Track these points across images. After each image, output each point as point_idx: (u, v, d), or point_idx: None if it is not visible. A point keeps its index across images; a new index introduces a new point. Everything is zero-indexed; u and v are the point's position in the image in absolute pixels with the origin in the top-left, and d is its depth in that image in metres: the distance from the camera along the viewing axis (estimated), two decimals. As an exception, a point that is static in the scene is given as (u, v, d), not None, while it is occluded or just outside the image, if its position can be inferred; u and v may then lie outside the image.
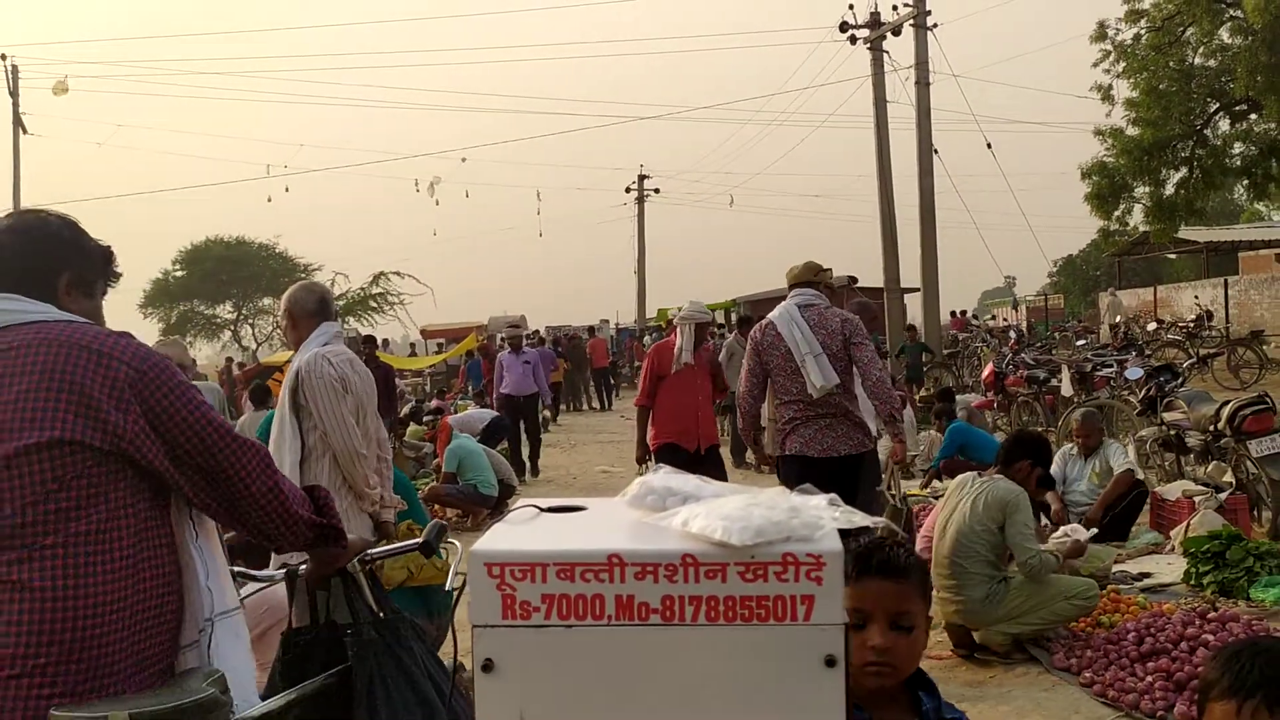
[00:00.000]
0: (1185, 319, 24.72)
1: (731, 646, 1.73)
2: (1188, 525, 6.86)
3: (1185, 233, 29.47)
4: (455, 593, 2.59)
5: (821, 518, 1.83)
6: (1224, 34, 21.43)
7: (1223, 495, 7.33)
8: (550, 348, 22.82)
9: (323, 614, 2.73)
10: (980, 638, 5.45)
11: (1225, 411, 7.84)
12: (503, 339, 16.31)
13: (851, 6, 22.17)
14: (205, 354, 44.48)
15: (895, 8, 21.54)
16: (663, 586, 1.74)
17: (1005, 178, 37.46)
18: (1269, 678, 1.60)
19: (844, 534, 1.89)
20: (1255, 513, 7.54)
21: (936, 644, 5.39)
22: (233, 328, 45.32)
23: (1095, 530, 6.51)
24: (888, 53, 21.98)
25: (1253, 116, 22.05)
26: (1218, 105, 22.25)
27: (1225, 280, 28.12)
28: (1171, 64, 21.66)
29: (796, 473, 5.40)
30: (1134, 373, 11.33)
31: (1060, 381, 12.32)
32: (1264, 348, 18.74)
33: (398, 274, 34.85)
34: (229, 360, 30.19)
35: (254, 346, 43.06)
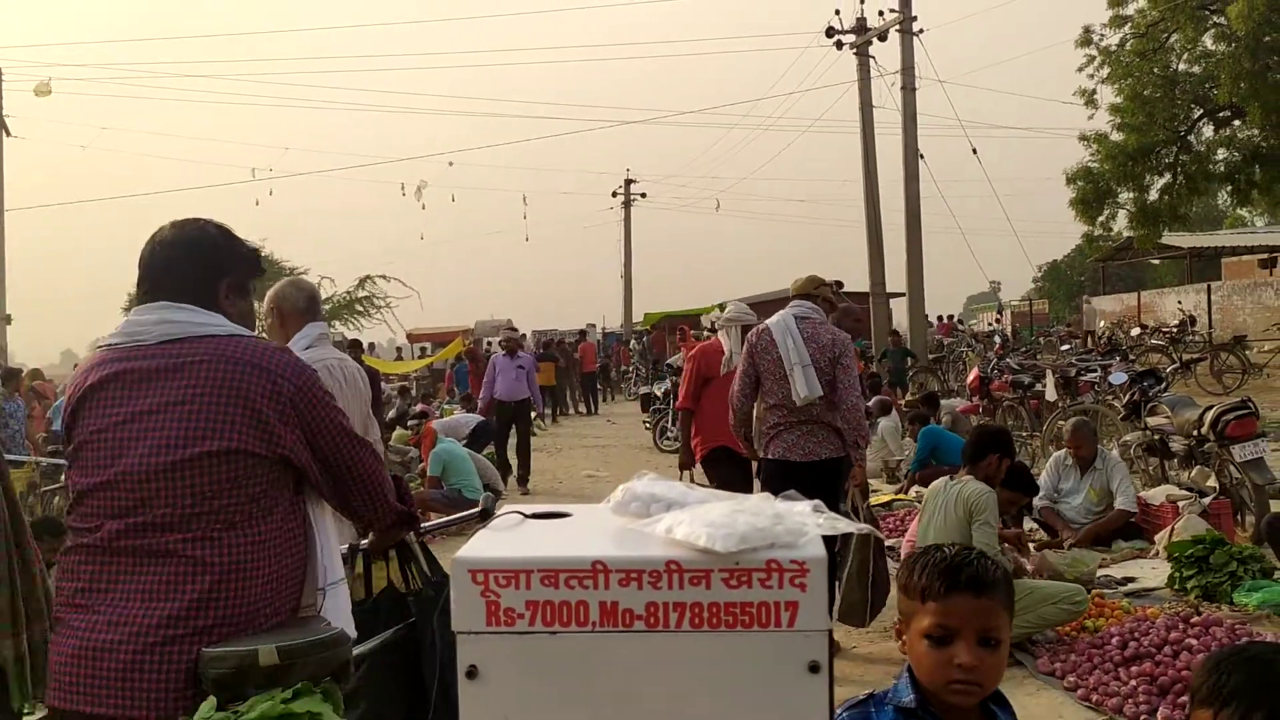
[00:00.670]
0: (1169, 324, 24.84)
1: (715, 653, 1.74)
2: (1171, 530, 6.88)
3: (1169, 238, 29.61)
4: None
5: (805, 524, 1.84)
6: (1208, 40, 21.53)
7: (1206, 500, 7.35)
8: (538, 351, 22.81)
9: (381, 583, 3.13)
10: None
11: (1208, 416, 7.86)
12: (500, 341, 16.25)
13: (838, 12, 22.26)
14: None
15: (881, 13, 21.61)
16: (647, 593, 1.74)
17: (990, 183, 37.64)
18: (1245, 687, 1.60)
19: (828, 540, 1.89)
20: (1239, 517, 7.57)
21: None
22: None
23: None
24: (874, 58, 22.06)
25: (1236, 123, 22.18)
26: (1201, 111, 22.37)
27: (1208, 285, 28.33)
28: (1156, 70, 21.77)
29: (778, 476, 5.57)
30: (1118, 378, 11.35)
31: (1045, 386, 12.35)
32: (1246, 353, 18.85)
33: (384, 277, 34.81)
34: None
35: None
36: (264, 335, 4.13)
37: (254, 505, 2.33)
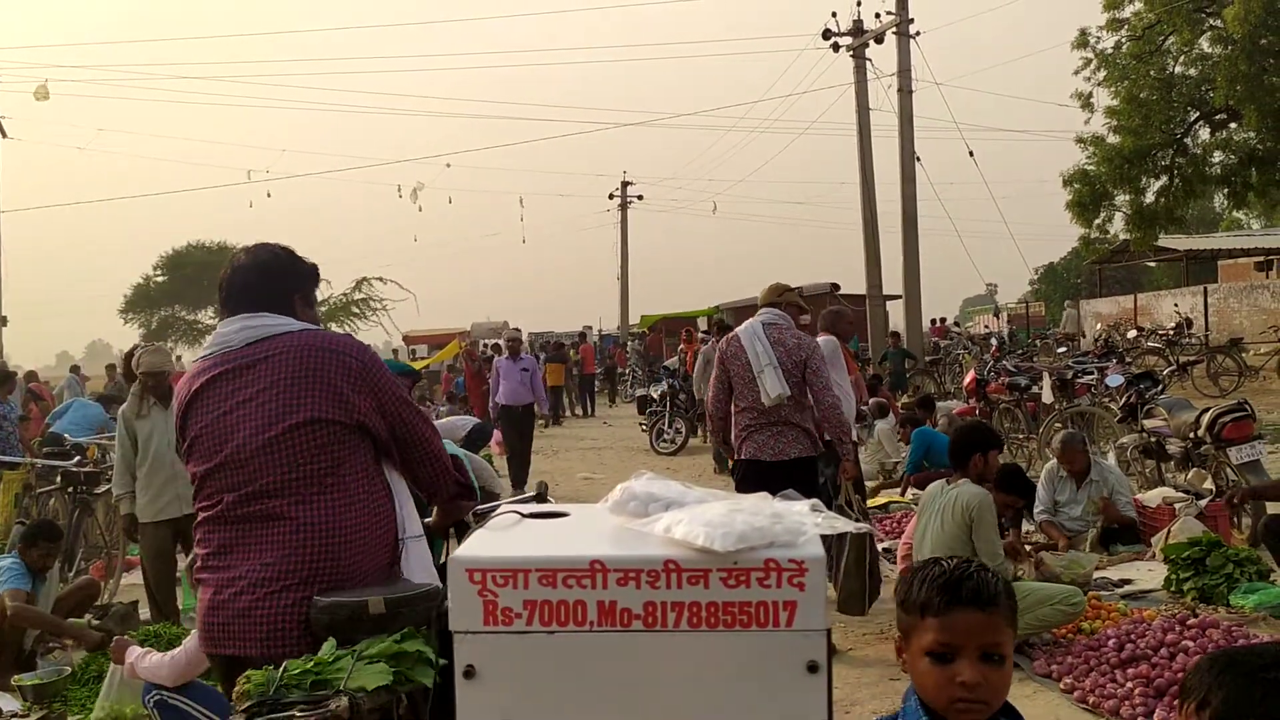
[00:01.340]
0: (1165, 327, 24.83)
1: (714, 652, 1.73)
2: (1168, 532, 6.88)
3: (1165, 241, 29.60)
4: None
5: (804, 524, 1.83)
6: (1204, 43, 21.51)
7: (1203, 502, 7.35)
8: (547, 353, 22.81)
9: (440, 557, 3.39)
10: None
11: (1205, 419, 7.87)
12: (503, 343, 16.20)
13: (835, 14, 22.32)
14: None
15: (878, 16, 21.66)
16: (645, 592, 1.73)
17: (987, 185, 37.54)
18: (1226, 689, 1.59)
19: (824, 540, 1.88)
20: (1235, 519, 7.56)
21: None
22: (214, 334, 44.99)
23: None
24: (870, 60, 22.11)
25: (1232, 125, 22.15)
26: (1198, 114, 22.35)
27: (1205, 288, 28.31)
28: (1152, 73, 21.75)
29: (751, 475, 5.81)
30: (1114, 380, 11.36)
31: (1041, 388, 12.34)
32: (1243, 355, 18.85)
33: (380, 279, 34.79)
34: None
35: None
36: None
37: (341, 469, 2.66)
